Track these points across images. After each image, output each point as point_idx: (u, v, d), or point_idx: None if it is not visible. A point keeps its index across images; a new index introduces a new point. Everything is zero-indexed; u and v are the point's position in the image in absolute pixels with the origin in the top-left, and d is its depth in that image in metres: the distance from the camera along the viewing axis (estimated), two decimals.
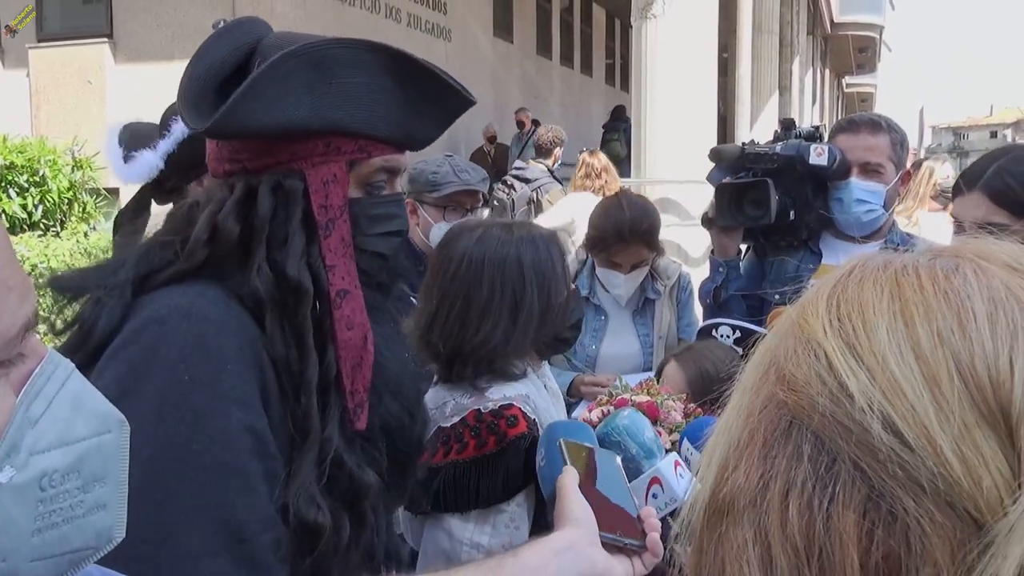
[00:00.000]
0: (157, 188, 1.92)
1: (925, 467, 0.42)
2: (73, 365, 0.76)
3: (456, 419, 1.66)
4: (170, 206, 1.96)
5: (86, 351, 1.08)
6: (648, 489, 1.54)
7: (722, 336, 2.37)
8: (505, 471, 1.60)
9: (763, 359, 0.52)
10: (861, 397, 0.44)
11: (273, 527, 1.05)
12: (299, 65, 1.12)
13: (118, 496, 0.77)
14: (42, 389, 0.72)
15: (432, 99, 1.25)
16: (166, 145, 1.84)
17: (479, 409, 1.64)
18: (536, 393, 1.76)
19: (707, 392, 1.98)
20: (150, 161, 1.84)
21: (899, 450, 0.42)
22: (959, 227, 2.01)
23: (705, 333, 2.50)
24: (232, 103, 1.09)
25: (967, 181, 2.01)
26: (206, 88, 1.15)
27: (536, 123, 11.67)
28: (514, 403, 1.65)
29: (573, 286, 1.89)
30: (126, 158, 1.88)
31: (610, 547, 1.27)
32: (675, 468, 1.49)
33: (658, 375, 2.33)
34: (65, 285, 1.15)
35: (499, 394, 1.67)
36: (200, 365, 1.03)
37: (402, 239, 1.33)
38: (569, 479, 1.33)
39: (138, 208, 1.94)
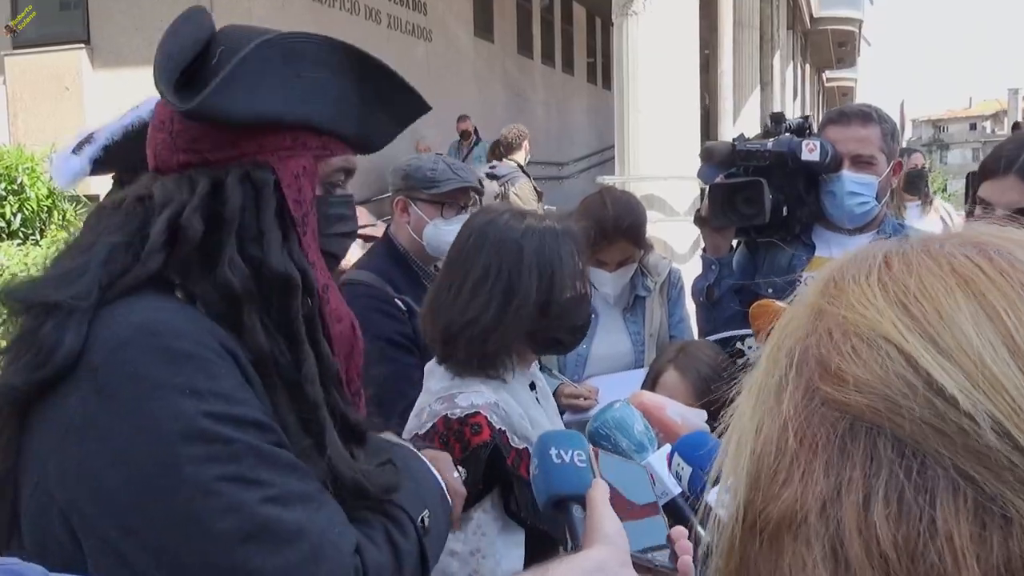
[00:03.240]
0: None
1: None
2: None
3: (429, 425, 1.68)
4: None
5: (49, 372, 1.00)
6: None
7: (749, 347, 2.30)
8: (467, 479, 1.59)
9: (784, 355, 0.46)
10: (964, 400, 0.40)
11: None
12: (274, 55, 1.10)
13: None
14: None
15: (388, 101, 1.24)
16: (92, 150, 1.85)
17: (447, 416, 1.65)
18: (511, 399, 1.73)
19: (706, 395, 1.94)
20: (74, 166, 1.86)
21: (1009, 453, 0.39)
22: (987, 210, 1.95)
23: (727, 344, 2.42)
24: (217, 86, 1.05)
25: (1002, 165, 1.97)
26: (176, 70, 1.11)
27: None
28: (480, 411, 1.66)
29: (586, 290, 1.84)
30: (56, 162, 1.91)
31: (641, 567, 1.18)
32: (668, 461, 1.46)
33: (652, 379, 2.28)
34: (26, 297, 1.05)
35: (467, 401, 1.68)
36: (188, 373, 1.00)
37: (352, 241, 1.32)
38: (599, 493, 1.20)
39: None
